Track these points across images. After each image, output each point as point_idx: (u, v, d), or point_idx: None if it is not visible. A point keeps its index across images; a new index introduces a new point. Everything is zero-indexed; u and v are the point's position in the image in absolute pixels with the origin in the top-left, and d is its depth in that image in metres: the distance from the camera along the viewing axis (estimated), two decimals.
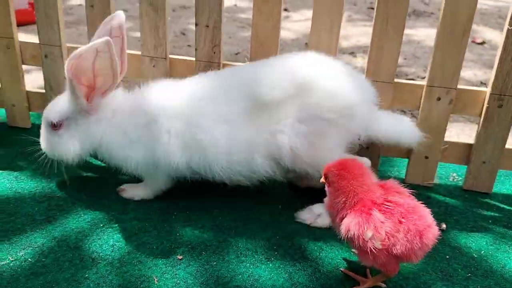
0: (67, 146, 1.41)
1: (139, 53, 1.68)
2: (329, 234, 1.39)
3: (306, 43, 3.31)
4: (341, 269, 1.27)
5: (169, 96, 1.41)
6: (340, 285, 1.23)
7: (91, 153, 1.47)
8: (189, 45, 3.11)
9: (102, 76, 1.34)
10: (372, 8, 4.19)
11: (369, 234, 1.00)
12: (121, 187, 1.54)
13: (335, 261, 1.30)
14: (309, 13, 1.71)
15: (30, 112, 1.88)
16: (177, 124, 1.37)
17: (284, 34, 3.39)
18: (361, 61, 2.99)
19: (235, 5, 4.09)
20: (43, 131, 1.45)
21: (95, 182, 1.61)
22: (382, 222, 1.00)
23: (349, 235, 1.03)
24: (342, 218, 1.06)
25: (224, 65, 1.65)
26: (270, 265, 1.28)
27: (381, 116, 1.48)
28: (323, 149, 1.37)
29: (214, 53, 1.62)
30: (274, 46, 1.58)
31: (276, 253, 1.32)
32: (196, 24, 1.59)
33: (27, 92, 1.84)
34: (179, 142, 1.37)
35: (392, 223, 1.00)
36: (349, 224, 1.03)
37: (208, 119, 1.36)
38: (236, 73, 1.45)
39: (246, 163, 1.38)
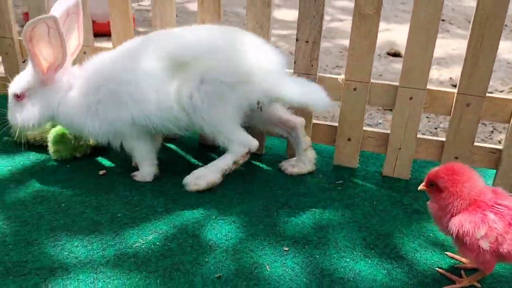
0: (27, 114, 1.65)
1: None
2: (422, 237, 1.50)
3: (391, 53, 3.39)
4: (437, 268, 1.37)
5: (107, 63, 1.65)
6: (437, 284, 1.32)
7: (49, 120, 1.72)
8: None
9: (56, 49, 1.57)
10: (444, 20, 4.20)
11: (481, 232, 1.10)
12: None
13: (430, 261, 1.40)
14: (387, 24, 1.81)
15: None
16: (115, 86, 1.61)
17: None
18: (436, 73, 3.04)
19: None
20: (9, 102, 1.69)
21: None
22: (495, 223, 1.09)
23: (461, 231, 1.13)
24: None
25: (320, 78, 1.79)
26: (369, 261, 1.40)
27: (288, 82, 1.62)
28: (220, 111, 1.58)
29: (312, 66, 1.77)
30: (369, 62, 1.70)
31: (373, 251, 1.44)
32: (296, 40, 1.75)
33: None
34: (121, 101, 1.61)
35: (502, 224, 1.10)
36: (463, 221, 1.13)
37: (139, 76, 1.59)
38: (160, 36, 1.67)
39: (171, 112, 1.60)
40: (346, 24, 4.20)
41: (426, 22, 1.60)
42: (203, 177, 1.67)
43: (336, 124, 1.87)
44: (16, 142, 1.95)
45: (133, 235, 1.47)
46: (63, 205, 1.59)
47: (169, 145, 2.02)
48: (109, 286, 1.28)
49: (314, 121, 1.88)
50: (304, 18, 1.71)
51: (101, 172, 1.80)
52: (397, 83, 1.73)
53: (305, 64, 1.77)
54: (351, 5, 1.73)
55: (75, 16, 1.70)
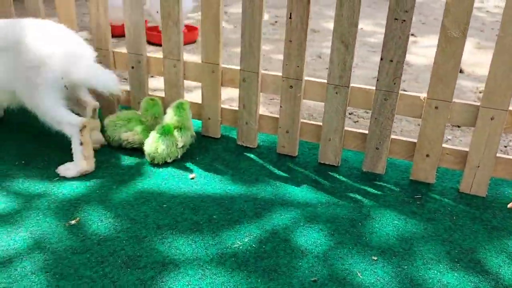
0: None
1: (324, 81, 1.97)
2: (505, 253, 1.56)
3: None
4: None
5: None
6: None
7: None
8: (326, 68, 3.38)
9: None
10: None
11: None
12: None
13: None
14: (435, 39, 1.89)
15: (221, 125, 2.25)
16: None
17: (414, 59, 3.54)
18: None
19: (361, 28, 4.31)
20: None
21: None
22: None
23: None
24: None
25: (401, 95, 1.88)
26: (455, 274, 1.47)
27: (84, 68, 1.88)
28: (37, 93, 1.85)
29: (394, 84, 1.85)
30: (452, 82, 1.77)
31: (458, 265, 1.51)
32: (381, 59, 1.84)
33: (222, 108, 2.21)
34: None
35: None
36: None
37: None
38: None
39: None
40: None
41: (511, 47, 1.66)
42: (71, 168, 1.91)
43: (414, 140, 1.94)
44: (111, 144, 2.14)
45: (230, 237, 1.59)
46: (164, 205, 1.73)
47: (248, 154, 2.15)
48: (216, 282, 1.40)
49: (393, 136, 1.97)
50: (390, 39, 1.80)
51: (191, 176, 1.95)
52: (477, 103, 1.79)
53: (387, 82, 1.86)
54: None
55: None
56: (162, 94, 2.32)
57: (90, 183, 1.87)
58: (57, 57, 1.86)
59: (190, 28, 3.85)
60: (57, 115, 1.88)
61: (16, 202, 1.74)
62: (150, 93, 2.32)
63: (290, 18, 1.89)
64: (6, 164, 1.98)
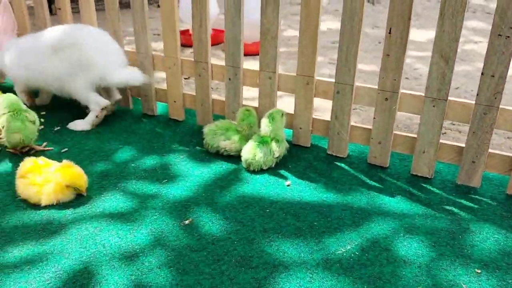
0: None
1: (420, 94, 2.01)
2: None
3: None
4: None
5: (21, 45, 2.64)
6: None
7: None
8: (406, 78, 3.38)
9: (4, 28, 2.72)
10: None
11: None
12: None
13: None
14: None
15: (312, 135, 2.34)
16: (24, 57, 2.59)
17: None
18: None
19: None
20: None
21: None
22: None
23: None
24: None
25: (501, 110, 1.87)
26: None
27: (118, 75, 2.50)
28: (78, 83, 2.50)
29: (495, 98, 1.86)
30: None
31: None
32: (482, 73, 1.85)
33: (313, 119, 2.30)
34: (24, 67, 2.61)
35: None
36: None
37: (32, 54, 2.56)
38: (46, 33, 2.57)
39: (55, 81, 2.55)
40: (481, 46, 4.13)
41: None
42: (78, 125, 2.58)
43: (511, 154, 1.93)
44: (208, 151, 2.29)
45: (333, 243, 1.68)
46: (267, 210, 1.85)
47: (339, 163, 2.22)
48: (324, 285, 1.49)
49: (490, 150, 1.96)
50: (492, 54, 1.81)
51: (286, 183, 2.05)
52: None
53: (488, 97, 1.86)
54: (481, 25, 1.79)
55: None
56: (254, 104, 2.45)
57: (195, 186, 2.02)
58: (100, 63, 2.49)
59: (218, 31, 4.21)
60: (89, 97, 2.54)
61: (133, 202, 1.93)
62: (244, 103, 2.47)
63: (390, 33, 1.95)
64: (119, 166, 2.19)
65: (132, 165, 2.21)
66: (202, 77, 2.47)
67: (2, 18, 2.75)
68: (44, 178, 1.92)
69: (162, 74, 3.26)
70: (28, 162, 1.99)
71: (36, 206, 1.90)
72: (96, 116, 2.56)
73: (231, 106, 2.46)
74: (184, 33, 4.15)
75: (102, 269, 1.55)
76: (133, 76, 2.52)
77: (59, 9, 2.87)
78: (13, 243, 1.69)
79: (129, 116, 2.74)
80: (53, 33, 2.53)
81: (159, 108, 2.79)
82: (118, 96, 2.73)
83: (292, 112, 2.33)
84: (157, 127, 2.60)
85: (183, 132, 2.54)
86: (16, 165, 2.06)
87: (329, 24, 4.96)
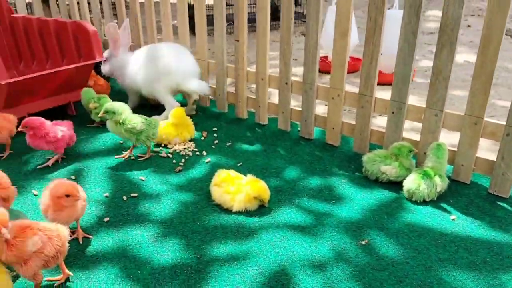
0: (105, 66, 3.48)
1: None
2: None
3: None
4: None
5: (135, 56, 3.38)
6: None
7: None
8: None
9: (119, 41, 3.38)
10: None
11: None
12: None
13: None
14: None
15: (473, 173, 2.43)
16: (130, 67, 3.33)
17: None
18: None
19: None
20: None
21: None
22: None
23: None
24: None
25: None
26: None
27: (191, 83, 3.21)
28: (158, 87, 3.21)
29: None
30: None
31: None
32: None
33: (477, 157, 2.39)
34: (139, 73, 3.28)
35: None
36: None
37: (138, 64, 3.29)
38: (150, 48, 3.35)
39: (151, 86, 3.24)
40: None
41: None
42: (158, 118, 3.15)
43: None
44: (367, 177, 2.49)
45: (509, 282, 1.76)
46: (438, 241, 1.99)
47: (502, 203, 2.27)
48: None
49: None
50: None
51: (452, 217, 2.16)
52: None
53: None
54: None
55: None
56: (411, 137, 2.60)
57: (362, 210, 2.22)
58: (178, 73, 3.19)
59: (355, 60, 4.35)
60: (166, 99, 3.24)
61: (310, 217, 2.18)
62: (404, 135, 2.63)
63: None
64: (289, 183, 2.47)
65: (301, 183, 2.48)
66: (365, 108, 2.69)
67: (123, 33, 3.40)
68: (236, 188, 2.26)
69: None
70: (222, 173, 2.35)
71: (228, 211, 2.24)
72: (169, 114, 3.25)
73: (390, 137, 2.63)
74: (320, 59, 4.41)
75: (297, 273, 1.81)
76: (201, 86, 3.24)
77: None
78: (216, 240, 2.03)
79: (287, 138, 3.04)
80: (147, 48, 3.33)
81: (315, 132, 3.05)
82: (196, 97, 3.38)
83: (452, 148, 2.44)
84: (315, 150, 2.86)
85: (340, 157, 2.77)
86: (201, 176, 2.45)
87: (465, 56, 4.92)
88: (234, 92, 3.37)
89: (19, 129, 2.56)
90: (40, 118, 2.61)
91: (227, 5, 3.25)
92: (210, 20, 3.38)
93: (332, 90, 2.79)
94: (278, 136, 3.07)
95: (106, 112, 2.63)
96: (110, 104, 2.68)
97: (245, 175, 2.36)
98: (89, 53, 3.32)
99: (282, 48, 2.94)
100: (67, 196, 1.81)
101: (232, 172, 2.36)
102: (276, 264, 1.87)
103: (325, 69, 4.24)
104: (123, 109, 2.67)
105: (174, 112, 2.99)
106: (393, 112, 2.59)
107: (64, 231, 1.64)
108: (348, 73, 2.77)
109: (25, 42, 3.75)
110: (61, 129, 2.66)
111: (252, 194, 2.23)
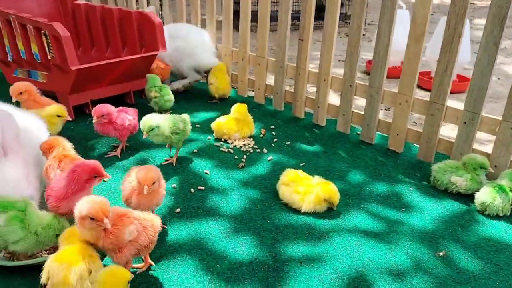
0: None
1: None
2: None
3: None
4: None
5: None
6: None
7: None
8: None
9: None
10: None
11: None
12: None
13: None
14: None
15: None
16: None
17: None
18: None
19: None
20: None
21: None
22: None
23: None
24: None
25: None
26: None
27: (209, 60, 3.65)
28: (185, 65, 3.63)
29: None
30: None
31: None
32: None
33: None
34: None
35: None
36: None
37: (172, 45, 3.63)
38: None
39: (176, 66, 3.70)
40: None
41: None
42: (174, 85, 3.63)
43: None
44: (435, 187, 2.44)
45: None
46: None
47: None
48: None
49: None
50: None
51: None
52: None
53: None
54: None
55: None
56: (482, 149, 2.55)
57: (434, 220, 2.18)
58: (199, 53, 3.61)
59: (462, 79, 4.04)
60: (190, 73, 3.66)
61: (381, 224, 2.16)
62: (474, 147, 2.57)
63: None
64: (355, 187, 2.45)
65: (367, 188, 2.45)
66: (434, 116, 2.64)
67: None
68: (306, 189, 2.25)
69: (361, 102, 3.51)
70: (291, 173, 2.34)
71: (296, 211, 2.23)
72: (189, 82, 3.71)
73: (460, 148, 2.58)
74: (423, 74, 4.10)
75: (377, 280, 1.79)
76: (215, 62, 3.68)
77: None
78: (288, 240, 2.02)
79: (347, 141, 3.01)
80: (173, 29, 3.68)
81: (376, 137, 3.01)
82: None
83: None
84: (378, 155, 2.83)
85: (404, 164, 2.73)
86: (264, 174, 2.45)
87: None
88: (293, 91, 3.36)
89: (94, 120, 2.57)
90: (110, 105, 2.64)
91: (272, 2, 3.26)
92: (254, 16, 3.48)
93: (400, 96, 2.75)
94: (337, 138, 3.04)
95: (150, 130, 2.46)
96: (148, 120, 2.49)
97: (313, 176, 2.35)
98: (153, 44, 3.35)
99: (349, 50, 2.90)
100: (153, 184, 1.83)
101: (301, 172, 2.35)
102: (353, 269, 1.85)
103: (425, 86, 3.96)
104: (158, 120, 2.52)
105: (237, 108, 2.99)
106: (465, 123, 2.53)
107: (157, 222, 1.65)
108: (451, 93, 2.72)
109: (86, 28, 3.80)
110: (128, 118, 2.69)
111: (323, 196, 2.21)
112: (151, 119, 2.50)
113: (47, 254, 1.81)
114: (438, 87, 2.59)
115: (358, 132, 3.11)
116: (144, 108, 3.29)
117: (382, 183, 2.51)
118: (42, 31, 2.91)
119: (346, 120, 3.08)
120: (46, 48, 2.95)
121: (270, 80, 3.57)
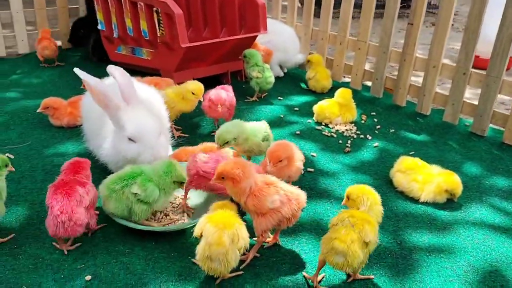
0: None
1: None
2: None
3: None
4: None
5: None
6: None
7: None
8: None
9: None
10: None
11: None
12: None
13: None
14: None
15: None
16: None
17: None
18: None
19: None
20: None
21: None
22: None
23: None
24: None
25: None
26: None
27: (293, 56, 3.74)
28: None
29: None
30: None
31: None
32: None
33: None
34: None
35: None
36: None
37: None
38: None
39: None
40: None
41: None
42: None
43: None
44: None
45: None
46: None
47: None
48: None
49: None
50: None
51: None
52: None
53: None
54: None
55: None
56: None
57: None
58: (290, 50, 3.67)
59: None
60: (275, 68, 3.64)
61: (509, 219, 2.03)
62: None
63: None
64: (473, 180, 2.32)
65: (486, 182, 2.32)
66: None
67: None
68: (425, 178, 2.15)
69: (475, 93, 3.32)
70: (407, 160, 2.25)
71: (414, 200, 2.15)
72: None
73: None
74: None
75: None
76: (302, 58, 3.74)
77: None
78: (410, 228, 1.94)
79: (455, 132, 2.86)
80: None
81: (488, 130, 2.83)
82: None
83: None
84: (492, 148, 2.66)
85: None
86: (372, 160, 2.37)
87: None
88: (395, 78, 3.24)
89: (219, 108, 2.54)
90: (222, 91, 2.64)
91: None
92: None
93: None
94: (444, 128, 2.90)
95: (228, 141, 2.04)
96: (228, 133, 2.04)
97: (430, 165, 2.25)
98: (254, 25, 3.35)
99: (466, 37, 2.75)
100: (280, 161, 1.83)
101: (418, 161, 2.25)
102: (487, 263, 1.75)
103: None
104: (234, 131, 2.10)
105: (341, 92, 2.93)
106: None
107: (303, 197, 1.65)
108: None
109: (185, 8, 3.87)
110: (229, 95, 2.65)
111: (445, 186, 2.11)
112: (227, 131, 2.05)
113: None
114: None
115: (466, 124, 2.95)
116: (239, 89, 3.32)
117: (501, 177, 2.36)
118: (154, 9, 2.99)
119: (455, 110, 2.93)
120: (157, 25, 3.03)
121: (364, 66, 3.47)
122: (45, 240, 1.75)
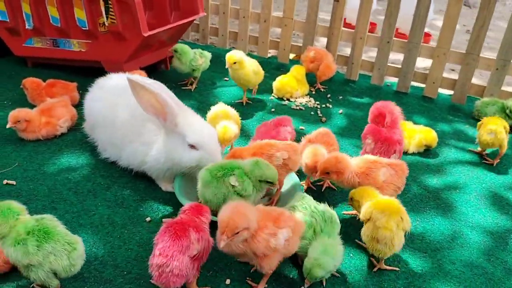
0: None
1: None
2: None
3: None
4: None
5: None
6: None
7: None
8: None
9: None
10: None
11: None
12: None
13: None
14: None
15: None
16: None
17: None
18: None
19: None
20: None
21: None
22: None
23: None
24: None
25: None
26: None
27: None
28: None
29: None
30: None
31: None
32: None
33: None
34: None
35: None
36: None
37: None
38: None
39: None
40: None
41: None
42: None
43: None
44: None
45: None
46: None
47: None
48: None
49: None
50: None
51: None
52: None
53: None
54: None
55: None
56: None
57: None
58: None
59: None
60: None
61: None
62: None
63: None
64: None
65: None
66: None
67: None
68: (409, 133, 2.60)
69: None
70: None
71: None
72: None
73: None
74: None
75: None
76: None
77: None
78: None
79: (381, 91, 3.38)
80: None
81: None
82: None
83: None
84: (416, 102, 3.27)
85: None
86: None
87: None
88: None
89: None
90: None
91: None
92: None
93: None
94: (374, 90, 3.41)
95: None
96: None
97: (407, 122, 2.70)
98: (191, 7, 3.24)
99: (389, 11, 3.24)
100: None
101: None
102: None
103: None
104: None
105: (296, 68, 3.16)
106: None
107: (405, 166, 1.90)
108: None
109: None
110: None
111: (424, 141, 2.58)
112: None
113: None
114: None
115: (388, 84, 3.53)
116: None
117: (435, 121, 2.99)
118: None
119: (381, 74, 3.46)
120: (104, 14, 2.70)
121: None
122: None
